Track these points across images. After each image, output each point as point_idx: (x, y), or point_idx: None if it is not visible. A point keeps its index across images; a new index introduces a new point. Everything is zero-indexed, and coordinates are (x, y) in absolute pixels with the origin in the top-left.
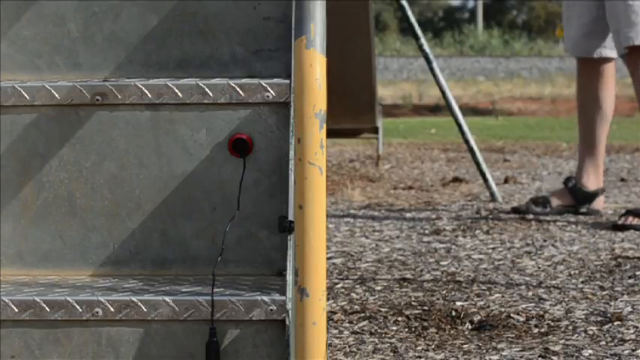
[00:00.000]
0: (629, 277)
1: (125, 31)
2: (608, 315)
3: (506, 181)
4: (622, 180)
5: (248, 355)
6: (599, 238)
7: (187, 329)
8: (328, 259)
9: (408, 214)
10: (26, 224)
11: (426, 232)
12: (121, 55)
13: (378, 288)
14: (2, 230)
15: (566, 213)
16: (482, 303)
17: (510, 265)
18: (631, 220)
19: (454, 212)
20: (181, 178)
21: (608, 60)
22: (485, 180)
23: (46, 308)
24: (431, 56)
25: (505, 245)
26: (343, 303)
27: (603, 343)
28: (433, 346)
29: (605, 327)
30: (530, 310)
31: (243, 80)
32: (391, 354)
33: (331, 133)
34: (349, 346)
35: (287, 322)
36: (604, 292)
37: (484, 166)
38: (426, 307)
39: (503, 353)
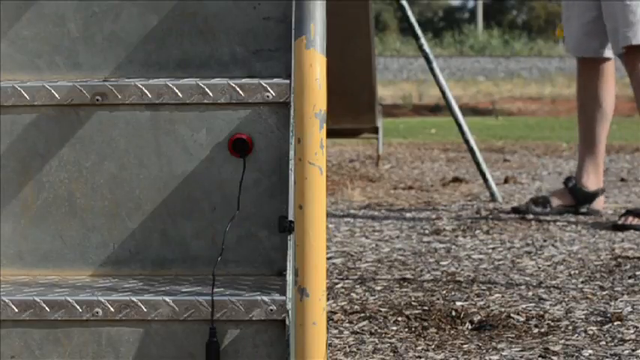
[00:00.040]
0: (629, 277)
1: (125, 31)
2: (608, 315)
3: (506, 181)
4: (622, 180)
5: (248, 355)
6: (599, 238)
7: (187, 329)
8: (328, 259)
9: (408, 214)
10: (26, 224)
11: (426, 232)
12: (121, 55)
13: (378, 288)
14: (2, 230)
15: (566, 213)
16: (482, 303)
17: (510, 265)
18: (631, 220)
19: (454, 212)
20: (181, 178)
21: (608, 59)
22: (485, 180)
23: (46, 308)
24: (431, 56)
25: (505, 245)
26: (343, 303)
27: (603, 343)
28: (433, 346)
29: (605, 327)
30: (530, 310)
31: (243, 80)
32: (391, 354)
33: (331, 133)
34: (349, 346)
35: (287, 322)
36: (604, 292)
37: (484, 166)
38: (426, 307)
39: (503, 353)
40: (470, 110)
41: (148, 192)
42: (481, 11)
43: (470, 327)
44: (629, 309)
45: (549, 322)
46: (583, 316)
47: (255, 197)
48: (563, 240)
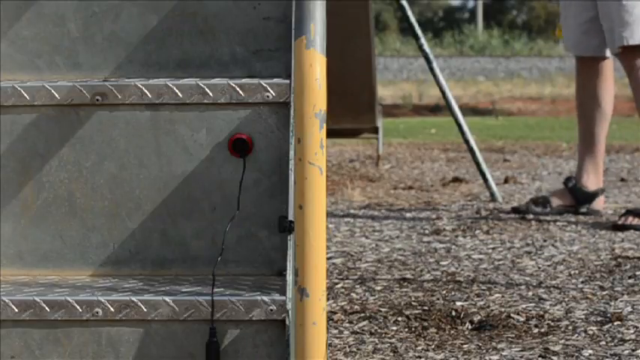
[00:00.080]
0: (629, 277)
1: (125, 31)
2: (608, 315)
3: (506, 181)
4: (622, 180)
5: (248, 355)
6: (599, 238)
7: (187, 329)
8: (328, 259)
9: (408, 214)
10: (26, 224)
11: (426, 232)
12: (121, 55)
13: (378, 288)
14: (2, 230)
15: (566, 213)
16: (482, 303)
17: (510, 265)
18: (631, 220)
19: (454, 212)
20: (181, 178)
21: (607, 58)
22: (485, 180)
23: (46, 308)
24: (431, 56)
25: (505, 245)
26: (343, 303)
27: (603, 343)
28: (433, 346)
29: (605, 327)
30: (530, 310)
31: (243, 80)
32: (391, 354)
33: (331, 133)
34: (349, 346)
35: (287, 322)
36: (604, 292)
37: (484, 166)
38: (426, 307)
39: (503, 353)
40: (470, 110)
41: (148, 192)
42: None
43: (470, 327)
44: (629, 309)
45: (549, 322)
46: (583, 316)
47: (255, 197)
48: (563, 240)
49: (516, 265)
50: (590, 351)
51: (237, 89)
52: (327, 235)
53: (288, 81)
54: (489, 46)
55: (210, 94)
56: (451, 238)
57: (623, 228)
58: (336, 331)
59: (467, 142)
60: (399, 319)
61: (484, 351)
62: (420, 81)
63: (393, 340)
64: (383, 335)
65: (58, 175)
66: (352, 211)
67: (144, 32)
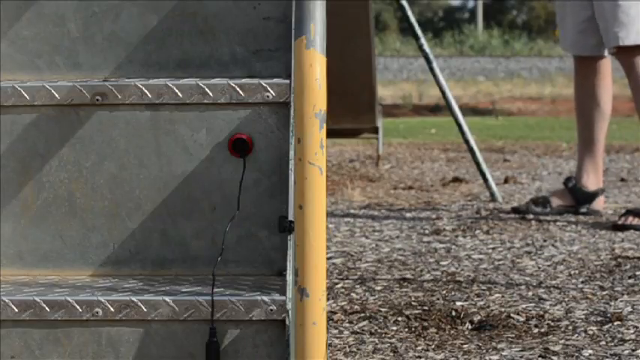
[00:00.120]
0: (629, 277)
1: (125, 31)
2: (608, 315)
3: (506, 181)
4: (622, 180)
5: (248, 355)
6: (599, 238)
7: (187, 329)
8: (328, 259)
9: (408, 214)
10: (26, 224)
11: (426, 232)
12: (121, 55)
13: (378, 288)
14: (2, 230)
15: (566, 213)
16: (482, 303)
17: (510, 265)
18: (631, 220)
19: (454, 212)
20: (181, 178)
21: (604, 57)
22: (485, 180)
23: (46, 308)
24: (431, 56)
25: (505, 245)
26: (343, 303)
27: (603, 343)
28: (433, 346)
29: (605, 327)
30: (530, 310)
31: (243, 80)
32: (391, 354)
33: (331, 133)
34: (349, 346)
35: (287, 322)
36: (604, 292)
37: (484, 166)
38: (426, 307)
39: (503, 353)
40: (470, 110)
41: (148, 192)
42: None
43: (470, 327)
44: (629, 309)
45: (549, 322)
46: (583, 316)
47: (255, 197)
48: (563, 240)
49: (516, 265)
50: (590, 351)
51: (237, 89)
52: (327, 235)
53: (288, 81)
54: (489, 46)
55: (210, 94)
56: (451, 238)
57: (623, 228)
58: (336, 331)
59: (467, 142)
60: (399, 319)
61: (484, 351)
62: (420, 81)
63: (393, 340)
64: (383, 335)
65: (58, 175)
66: (352, 211)
67: (144, 32)
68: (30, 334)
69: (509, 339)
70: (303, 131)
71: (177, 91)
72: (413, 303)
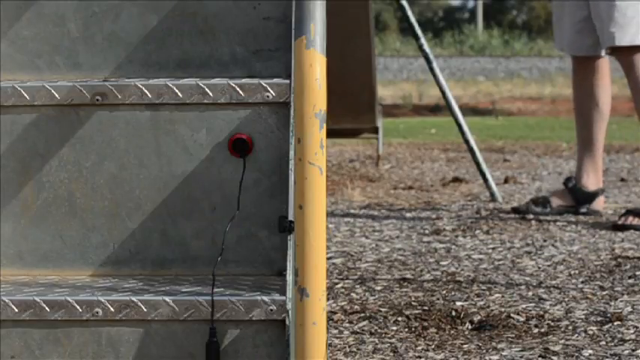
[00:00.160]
0: (629, 277)
1: (125, 31)
2: (608, 315)
3: (506, 181)
4: (622, 180)
5: (248, 355)
6: (599, 238)
7: (187, 329)
8: (328, 259)
9: (408, 214)
10: (26, 224)
11: (426, 232)
12: (121, 55)
13: (378, 288)
14: (2, 230)
15: (566, 213)
16: (482, 303)
17: (510, 265)
18: (631, 220)
19: (454, 212)
20: (181, 178)
21: (602, 57)
22: (485, 180)
23: (46, 308)
24: (431, 56)
25: (505, 245)
26: (343, 303)
27: (603, 343)
28: (433, 346)
29: (605, 327)
30: (530, 310)
31: (243, 80)
32: (391, 354)
33: (331, 133)
34: (349, 346)
35: (287, 322)
36: (604, 292)
37: (484, 166)
38: (426, 307)
39: (503, 353)
40: (470, 110)
41: (148, 192)
42: (481, 11)
43: (470, 327)
44: (629, 309)
45: (549, 322)
46: (583, 316)
47: (255, 197)
48: (563, 240)
49: (516, 265)
50: (590, 351)
51: (237, 89)
52: (327, 235)
53: (288, 81)
54: (489, 46)
55: (210, 94)
56: (451, 238)
57: (623, 228)
58: (336, 331)
59: (467, 142)
60: (399, 319)
61: (484, 351)
62: (420, 81)
63: (393, 340)
64: (383, 335)
65: (58, 175)
66: (352, 211)
67: (144, 32)
68: (30, 334)
69: (509, 339)
70: (303, 131)
71: (177, 91)
72: (413, 303)
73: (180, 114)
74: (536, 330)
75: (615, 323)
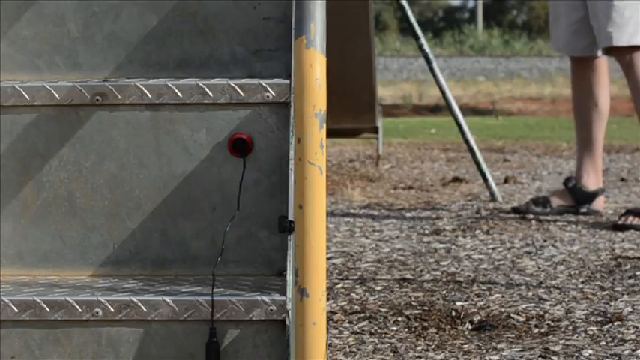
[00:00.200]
0: (629, 277)
1: (125, 31)
2: (608, 315)
3: (506, 181)
4: (622, 180)
5: (248, 355)
6: (599, 238)
7: (187, 329)
8: (328, 259)
9: (408, 214)
10: (26, 224)
11: (426, 232)
12: (121, 55)
13: (378, 288)
14: (2, 230)
15: (566, 213)
16: (482, 303)
17: (510, 265)
18: (631, 220)
19: (454, 212)
20: (181, 178)
21: (598, 57)
22: (485, 180)
23: (46, 308)
24: (431, 56)
25: (505, 245)
26: (343, 303)
27: (603, 343)
28: (433, 346)
29: (605, 327)
30: (530, 310)
31: (243, 80)
32: (391, 354)
33: (331, 133)
34: (349, 346)
35: (287, 322)
36: (604, 292)
37: (484, 166)
38: (426, 307)
39: (503, 353)
40: (470, 110)
41: (148, 192)
42: (481, 11)
43: (470, 327)
44: (629, 309)
45: (549, 322)
46: (583, 316)
47: (255, 197)
48: (563, 240)
49: (516, 265)
50: (590, 351)
51: (237, 89)
52: (327, 235)
53: (288, 81)
54: (489, 46)
55: (210, 94)
56: (451, 238)
57: (623, 228)
58: (336, 331)
59: (467, 142)
60: (399, 319)
61: (484, 351)
62: (420, 81)
63: (393, 340)
64: (383, 335)
65: (58, 175)
66: (352, 211)
67: (144, 32)
68: (30, 334)
69: (509, 339)
70: (303, 131)
71: (177, 91)
72: (413, 303)
73: (180, 114)
74: (536, 330)
75: (615, 323)
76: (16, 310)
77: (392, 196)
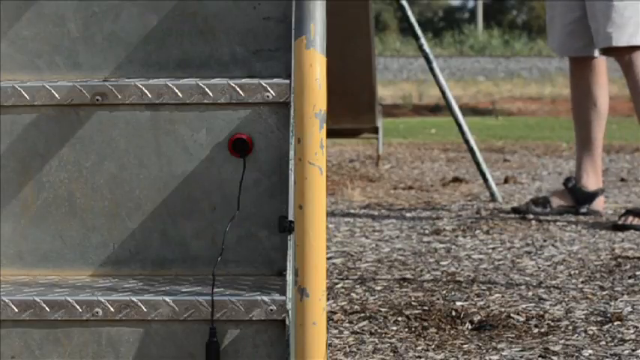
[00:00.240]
0: (629, 277)
1: (125, 31)
2: (608, 315)
3: (506, 181)
4: (622, 180)
5: (248, 355)
6: (599, 238)
7: (187, 329)
8: (328, 259)
9: (408, 214)
10: (26, 224)
11: (426, 232)
12: (121, 55)
13: (378, 288)
14: (2, 230)
15: (566, 213)
16: (482, 303)
17: (510, 265)
18: (631, 220)
19: (454, 212)
20: (181, 178)
21: (595, 58)
22: (485, 180)
23: (46, 308)
24: (431, 56)
25: (505, 245)
26: (343, 303)
27: (603, 343)
28: (433, 346)
29: (605, 327)
30: (530, 310)
31: (243, 80)
32: (391, 354)
33: (331, 133)
34: (349, 346)
35: (287, 322)
36: (604, 292)
37: (484, 166)
38: (426, 307)
39: (503, 353)
40: (470, 110)
41: (148, 192)
42: (481, 11)
43: (470, 327)
44: (629, 309)
45: (549, 322)
46: (583, 316)
47: (255, 197)
48: (563, 240)
49: (516, 265)
50: (590, 351)
51: (237, 89)
52: (327, 235)
53: (288, 81)
54: (489, 46)
55: (210, 94)
56: (451, 238)
57: (623, 228)
58: (336, 331)
59: (467, 142)
60: (399, 319)
61: (484, 351)
62: (420, 81)
63: (393, 340)
64: (383, 335)
65: (58, 175)
66: (352, 211)
67: (144, 32)
68: (30, 334)
69: (509, 339)
70: (303, 131)
71: (177, 91)
72: (413, 303)
73: (180, 114)
74: (536, 330)
75: (615, 323)
76: (16, 310)
77: (392, 196)
